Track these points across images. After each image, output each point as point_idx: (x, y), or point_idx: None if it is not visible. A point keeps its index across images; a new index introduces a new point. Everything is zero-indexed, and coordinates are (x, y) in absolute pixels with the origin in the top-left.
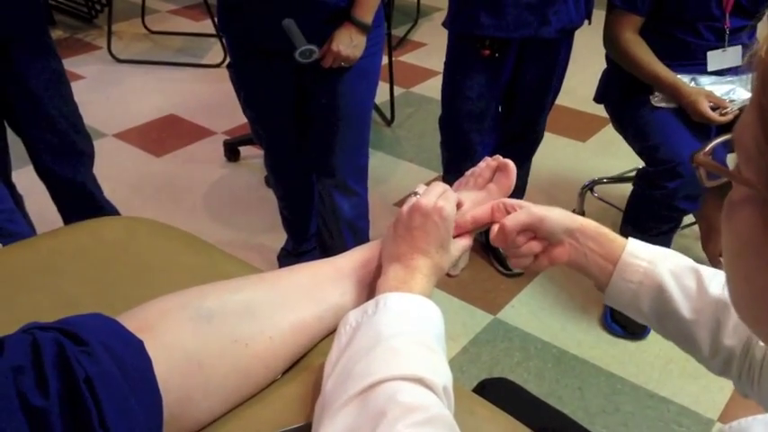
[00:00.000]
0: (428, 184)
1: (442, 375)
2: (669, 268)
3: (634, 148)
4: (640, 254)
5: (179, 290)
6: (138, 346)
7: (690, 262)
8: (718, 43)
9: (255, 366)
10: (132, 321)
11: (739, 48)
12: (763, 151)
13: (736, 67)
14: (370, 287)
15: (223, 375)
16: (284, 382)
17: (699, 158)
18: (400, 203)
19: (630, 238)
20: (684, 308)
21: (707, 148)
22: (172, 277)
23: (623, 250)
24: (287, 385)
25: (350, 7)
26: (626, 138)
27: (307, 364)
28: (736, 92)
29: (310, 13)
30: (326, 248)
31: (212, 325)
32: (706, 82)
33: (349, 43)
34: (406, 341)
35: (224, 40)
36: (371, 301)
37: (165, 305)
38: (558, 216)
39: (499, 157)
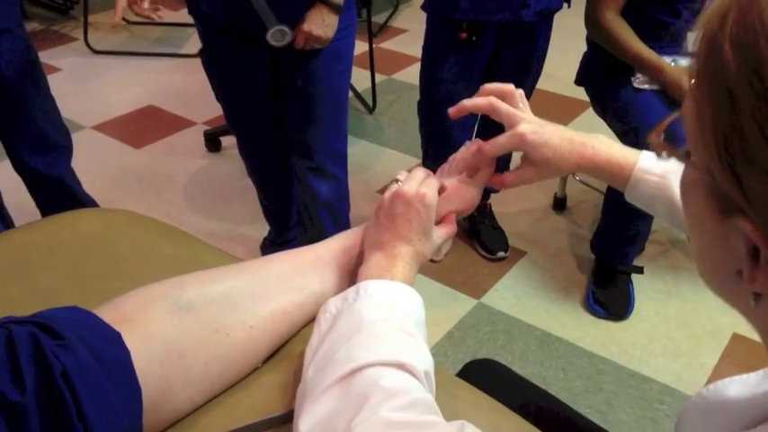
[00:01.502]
0: (410, 170)
1: (424, 361)
2: None
3: (615, 131)
4: (651, 168)
5: (158, 281)
6: (115, 337)
7: None
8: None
9: (236, 355)
10: (110, 313)
11: None
12: (704, 128)
13: None
14: (350, 274)
15: (203, 365)
16: (265, 370)
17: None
18: (383, 190)
19: (643, 152)
20: None
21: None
22: (150, 268)
23: (634, 166)
24: (268, 374)
25: None
26: (606, 120)
27: (288, 352)
28: None
29: None
30: (306, 233)
31: (192, 315)
32: (686, 62)
33: (321, 23)
34: (387, 327)
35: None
36: (352, 288)
37: (143, 296)
38: (554, 156)
39: (478, 140)
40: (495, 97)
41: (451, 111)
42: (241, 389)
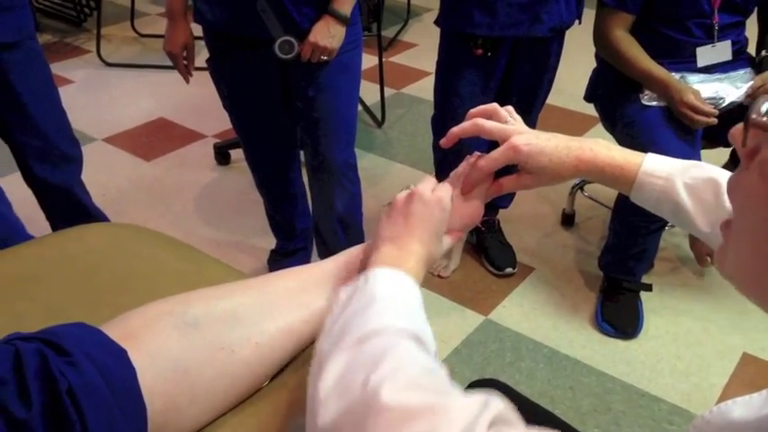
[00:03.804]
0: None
1: (432, 342)
2: (685, 182)
3: (623, 147)
4: (656, 171)
5: (165, 297)
6: (121, 355)
7: (710, 173)
8: (707, 40)
9: (242, 373)
10: (117, 330)
11: (728, 43)
12: None
13: (725, 63)
14: None
15: (209, 383)
16: (272, 388)
17: (756, 121)
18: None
19: (649, 155)
20: (702, 222)
21: (761, 107)
22: (158, 284)
23: (639, 168)
24: (274, 391)
25: (329, 0)
26: (615, 136)
27: (294, 369)
28: (724, 90)
29: None
30: (321, 245)
31: (198, 332)
32: (695, 80)
33: (327, 34)
34: (400, 302)
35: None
36: (362, 275)
37: (150, 313)
38: (551, 163)
39: (477, 154)
40: (481, 119)
41: (442, 141)
42: (247, 407)
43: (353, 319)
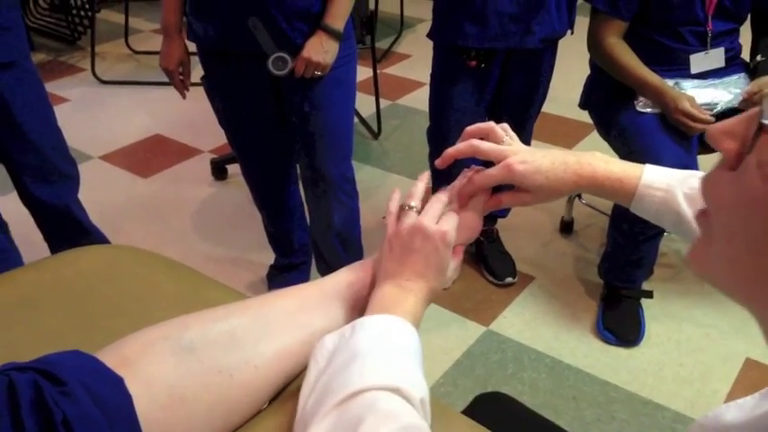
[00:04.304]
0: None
1: (419, 388)
2: (685, 193)
3: (618, 154)
4: (655, 183)
5: (162, 320)
6: (117, 383)
7: None
8: (701, 47)
9: (240, 397)
10: (112, 356)
11: (722, 50)
12: None
13: (719, 69)
14: (355, 310)
15: (207, 408)
16: (270, 412)
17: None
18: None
19: (647, 166)
20: None
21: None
22: (154, 306)
23: (639, 181)
24: (273, 415)
25: (322, 16)
26: (610, 143)
27: (293, 391)
28: (719, 96)
29: (280, 13)
30: (320, 259)
31: (195, 356)
32: (689, 86)
33: (320, 50)
34: (383, 355)
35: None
36: (348, 326)
37: (146, 338)
38: (548, 180)
39: (475, 167)
40: (476, 139)
41: (438, 162)
42: None
43: (335, 378)
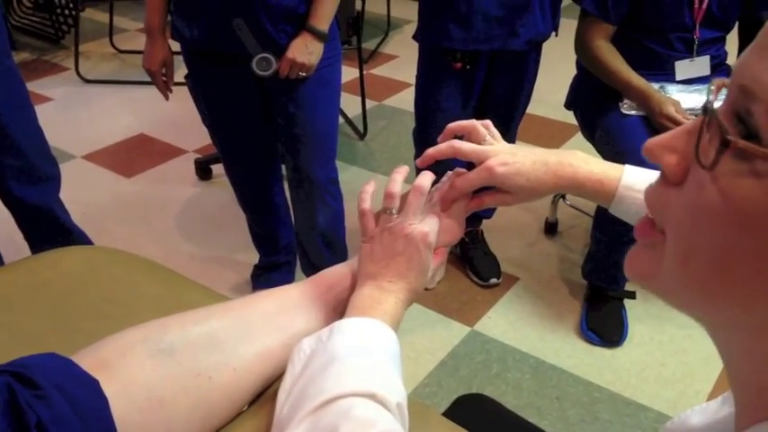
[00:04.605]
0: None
1: (396, 392)
2: None
3: (603, 156)
4: (636, 185)
5: (141, 322)
6: (93, 386)
7: None
8: (687, 54)
9: (219, 400)
10: (89, 359)
11: (707, 58)
12: None
13: (705, 77)
14: (335, 312)
15: (186, 411)
16: (249, 414)
17: (739, 143)
18: (376, 218)
19: (627, 167)
20: None
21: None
22: (134, 309)
23: (619, 183)
24: (252, 418)
25: (306, 17)
26: (595, 145)
27: (273, 394)
28: (703, 101)
29: (265, 14)
30: (304, 259)
31: (174, 359)
32: (674, 90)
33: (304, 50)
34: (358, 359)
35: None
36: (326, 329)
37: (125, 340)
38: (529, 182)
39: (458, 170)
40: (457, 140)
41: (418, 162)
42: None
43: (312, 383)
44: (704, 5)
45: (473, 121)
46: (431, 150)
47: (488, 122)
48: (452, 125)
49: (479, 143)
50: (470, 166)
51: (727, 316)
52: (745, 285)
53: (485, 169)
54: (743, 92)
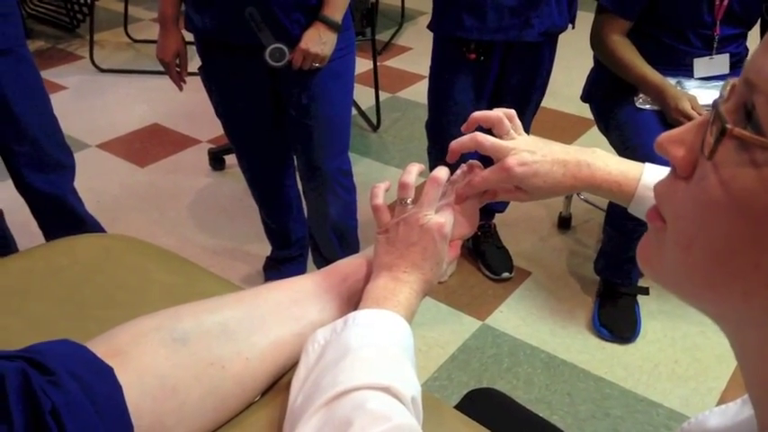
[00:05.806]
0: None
1: (410, 386)
2: None
3: (616, 149)
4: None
5: (155, 310)
6: (107, 372)
7: None
8: (706, 51)
9: (232, 389)
10: (104, 346)
11: (727, 56)
12: None
13: (723, 75)
14: (349, 303)
15: (198, 399)
16: (262, 404)
17: (735, 131)
18: (391, 210)
19: (647, 166)
20: None
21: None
22: (147, 297)
23: (638, 182)
24: (264, 408)
25: (319, 7)
26: (609, 139)
27: (285, 384)
28: None
29: (278, 4)
30: (316, 252)
31: (187, 347)
32: (691, 86)
33: (318, 41)
34: (373, 352)
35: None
36: (340, 320)
37: (138, 328)
38: (546, 184)
39: (472, 161)
40: (480, 133)
41: (448, 158)
42: (236, 425)
43: (326, 374)
44: (725, 2)
45: (499, 114)
46: (454, 145)
47: (512, 113)
48: (477, 114)
49: (501, 137)
50: (485, 156)
51: (730, 308)
52: (745, 277)
53: (503, 169)
54: (747, 85)
